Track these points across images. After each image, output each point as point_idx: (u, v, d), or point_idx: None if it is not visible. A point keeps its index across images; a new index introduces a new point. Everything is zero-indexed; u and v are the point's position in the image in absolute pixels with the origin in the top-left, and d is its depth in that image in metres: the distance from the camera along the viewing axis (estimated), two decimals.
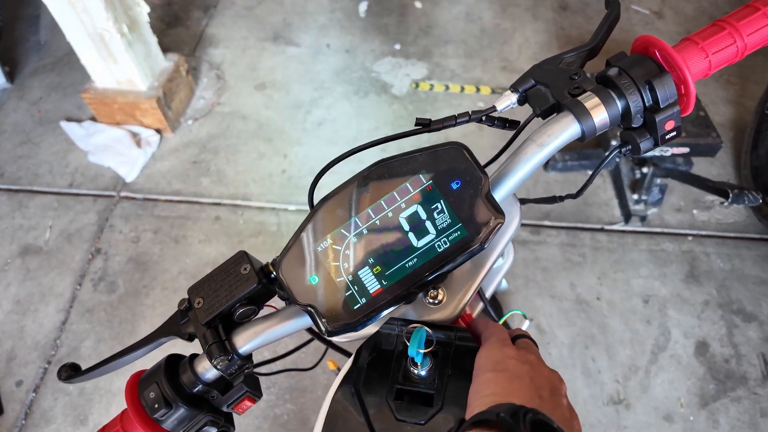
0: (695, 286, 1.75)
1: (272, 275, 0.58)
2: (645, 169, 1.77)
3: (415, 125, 0.57)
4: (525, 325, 0.78)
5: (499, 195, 0.52)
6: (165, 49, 2.13)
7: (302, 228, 0.53)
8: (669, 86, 0.46)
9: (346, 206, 0.52)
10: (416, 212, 0.51)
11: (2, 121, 2.21)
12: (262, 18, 2.61)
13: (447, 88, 2.32)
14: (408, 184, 0.51)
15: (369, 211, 0.51)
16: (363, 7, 2.66)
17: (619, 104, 0.51)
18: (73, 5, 1.73)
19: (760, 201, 1.38)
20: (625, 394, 1.55)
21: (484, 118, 0.58)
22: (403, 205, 0.51)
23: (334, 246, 0.51)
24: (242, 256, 0.57)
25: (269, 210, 1.92)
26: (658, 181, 1.84)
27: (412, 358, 0.53)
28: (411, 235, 0.50)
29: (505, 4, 2.69)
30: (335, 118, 2.21)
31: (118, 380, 1.57)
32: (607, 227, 1.88)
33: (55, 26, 2.54)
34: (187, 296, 0.58)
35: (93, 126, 2.11)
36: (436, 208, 0.50)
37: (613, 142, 1.85)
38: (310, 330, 0.72)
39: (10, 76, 2.33)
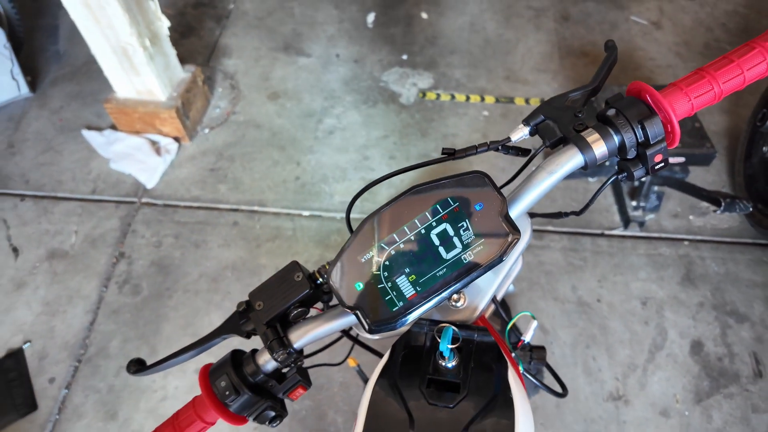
0: (691, 288, 1.84)
1: (318, 281, 0.68)
2: (644, 178, 1.86)
3: (442, 154, 0.66)
4: (533, 326, 0.87)
5: (514, 213, 0.62)
6: (180, 59, 2.22)
7: (348, 243, 0.61)
8: (657, 126, 0.55)
9: (386, 224, 0.61)
10: (445, 229, 0.59)
11: (25, 129, 2.30)
12: (273, 28, 2.70)
13: (453, 97, 2.41)
14: (438, 206, 0.60)
15: (405, 228, 0.60)
16: (370, 18, 2.75)
17: (616, 139, 0.60)
18: (98, 20, 1.82)
19: (751, 209, 1.47)
20: (624, 390, 1.64)
21: (500, 147, 0.67)
22: (434, 224, 0.60)
23: (375, 258, 0.60)
24: (295, 266, 0.67)
25: (284, 215, 2.01)
26: (656, 188, 1.93)
27: (442, 353, 0.63)
28: (441, 249, 0.59)
29: (508, 15, 2.78)
30: (345, 126, 2.30)
31: (145, 378, 1.66)
32: (607, 232, 1.96)
33: (74, 36, 2.64)
34: (246, 300, 0.67)
35: (113, 134, 2.20)
36: (462, 225, 0.59)
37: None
38: (342, 331, 0.81)
39: (32, 86, 2.42)
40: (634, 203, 1.95)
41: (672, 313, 1.79)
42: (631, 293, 1.83)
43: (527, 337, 0.87)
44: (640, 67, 2.56)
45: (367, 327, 0.59)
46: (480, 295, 0.73)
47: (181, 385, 1.64)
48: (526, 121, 0.67)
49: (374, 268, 0.60)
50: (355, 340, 0.89)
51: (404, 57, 2.57)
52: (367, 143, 2.24)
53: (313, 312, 0.69)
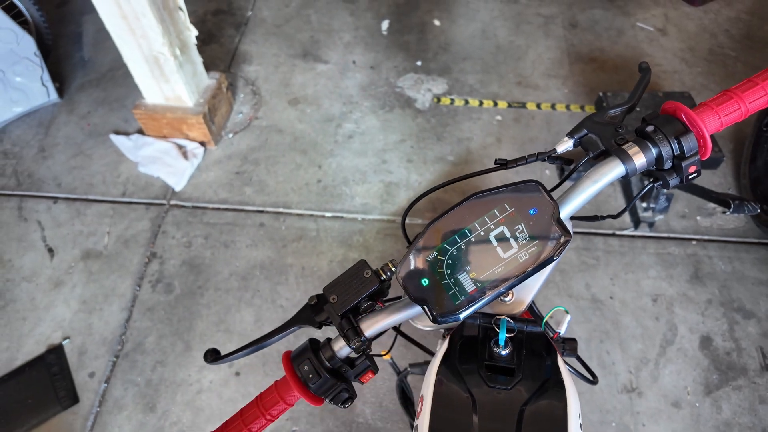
0: (699, 286, 1.93)
1: (382, 278, 0.76)
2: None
3: (495, 164, 0.74)
4: (566, 320, 0.96)
5: (562, 216, 0.70)
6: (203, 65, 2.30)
7: (414, 243, 0.70)
8: (692, 141, 0.64)
9: (449, 227, 0.69)
10: (503, 231, 0.68)
11: (55, 134, 2.38)
12: (291, 35, 2.78)
13: (466, 102, 2.50)
14: (496, 211, 0.68)
15: (466, 230, 0.68)
16: (385, 25, 2.84)
17: (654, 152, 0.68)
18: (133, 31, 1.90)
19: (758, 211, 1.56)
20: (637, 383, 1.72)
21: (547, 157, 0.75)
22: (493, 227, 0.68)
23: (439, 257, 0.68)
24: (364, 264, 0.75)
25: (308, 217, 2.09)
26: (665, 190, 2.02)
27: (497, 341, 0.71)
28: (499, 249, 0.67)
29: (518, 21, 2.87)
30: (364, 131, 2.38)
31: (180, 372, 1.74)
32: (618, 233, 2.05)
33: (98, 43, 2.72)
34: (317, 294, 0.75)
35: (141, 139, 2.28)
36: (518, 228, 0.67)
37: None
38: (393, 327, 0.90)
39: (60, 92, 2.50)
40: (644, 205, 2.04)
41: (681, 310, 1.87)
42: (642, 290, 1.91)
43: (562, 330, 0.95)
44: None
45: (432, 318, 0.67)
46: (526, 291, 0.81)
47: (215, 379, 1.72)
48: (570, 134, 0.75)
49: (439, 266, 0.68)
50: (404, 335, 0.98)
51: (419, 63, 2.65)
52: (385, 147, 2.33)
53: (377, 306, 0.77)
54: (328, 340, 0.74)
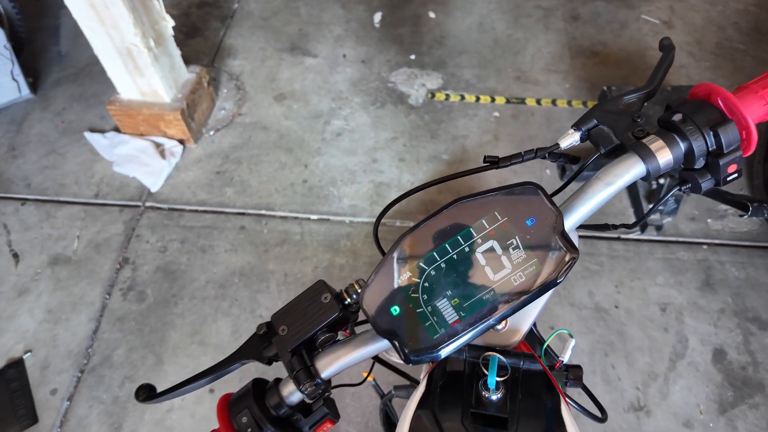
0: (711, 294, 1.79)
1: (346, 302, 0.63)
2: (662, 180, 1.82)
3: (484, 162, 0.61)
4: (570, 345, 0.82)
5: (567, 228, 0.57)
6: (185, 59, 2.17)
7: (383, 262, 0.56)
8: (733, 132, 0.51)
9: (425, 241, 0.56)
10: (492, 247, 0.54)
11: (27, 131, 2.25)
12: (279, 28, 2.65)
13: (462, 98, 2.37)
14: (485, 221, 0.55)
15: (447, 246, 0.55)
16: (377, 18, 2.70)
17: (683, 147, 0.55)
18: (102, 21, 1.77)
19: None
20: (645, 400, 1.59)
21: (548, 154, 0.62)
22: (480, 240, 0.54)
23: (413, 278, 0.55)
24: (322, 286, 0.62)
25: (292, 219, 1.96)
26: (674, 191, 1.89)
27: (486, 383, 0.58)
28: (488, 269, 0.54)
29: (517, 14, 2.73)
30: (354, 128, 2.25)
31: None
32: (623, 236, 1.92)
33: (76, 37, 2.59)
34: (266, 321, 0.62)
35: (117, 137, 2.15)
36: (512, 243, 0.54)
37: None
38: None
39: (34, 87, 2.37)
40: (651, 206, 1.91)
41: (692, 320, 1.74)
42: (649, 299, 1.78)
43: (565, 357, 0.82)
44: (651, 67, 2.51)
45: (404, 356, 0.54)
46: (523, 318, 0.68)
47: (187, 396, 1.59)
48: (576, 126, 0.62)
49: (413, 291, 0.55)
50: (387, 365, 0.84)
51: (412, 57, 2.52)
52: (376, 145, 2.19)
53: (340, 336, 0.64)
54: (277, 381, 0.61)
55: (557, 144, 0.62)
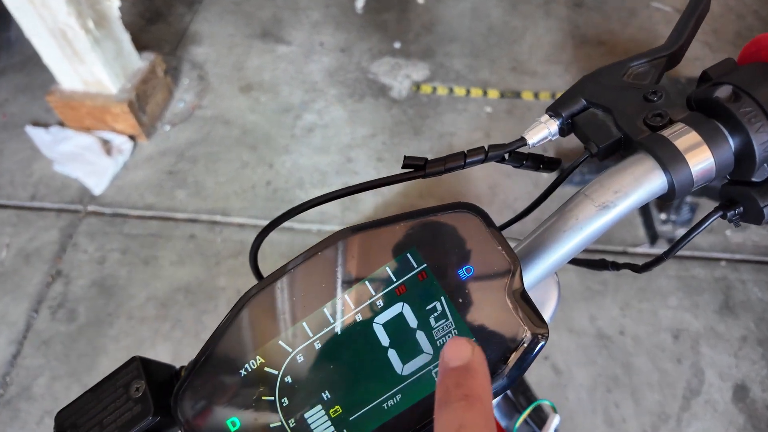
0: (731, 318, 1.54)
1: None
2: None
3: (403, 167, 0.37)
4: (554, 423, 0.59)
5: (531, 277, 0.33)
6: (143, 47, 1.94)
7: (216, 337, 0.33)
8: None
9: (289, 303, 0.32)
10: (401, 315, 0.31)
11: None
12: (251, 14, 2.41)
13: (451, 91, 2.12)
14: (388, 269, 0.31)
15: (324, 311, 0.32)
16: (360, 3, 2.46)
17: (733, 143, 0.31)
18: None
19: None
20: None
21: (507, 155, 0.38)
22: (380, 303, 0.31)
23: (266, 368, 0.32)
24: (136, 367, 0.38)
25: (251, 227, 1.72)
26: (689, 199, 1.64)
27: None
28: (392, 354, 0.31)
29: (515, 0, 2.48)
30: (327, 123, 2.01)
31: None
32: (630, 250, 1.67)
33: None
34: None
35: (61, 132, 1.92)
36: (434, 309, 0.31)
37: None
38: None
39: None
40: (662, 216, 1.66)
41: (709, 349, 1.49)
42: (659, 324, 1.53)
43: None
44: None
45: None
46: None
47: None
48: (553, 110, 0.38)
49: (263, 391, 0.31)
50: None
51: (397, 45, 2.27)
52: (352, 143, 1.95)
53: None
54: None
55: (522, 139, 0.37)
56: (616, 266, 0.45)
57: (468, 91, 2.12)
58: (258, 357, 0.32)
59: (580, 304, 1.55)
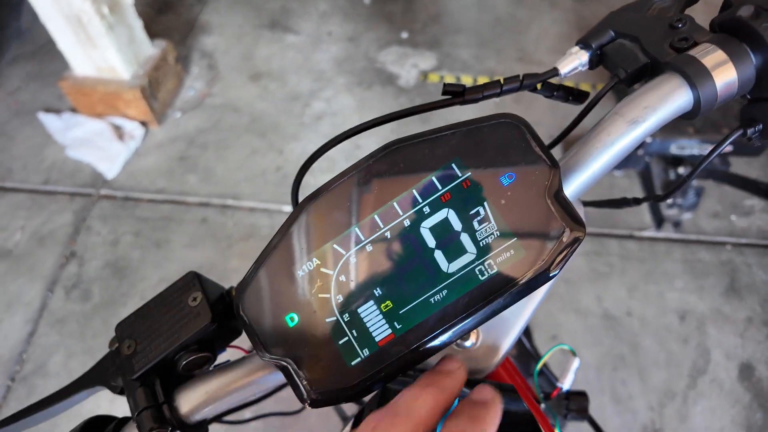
0: (736, 300, 1.56)
1: (228, 303, 0.42)
2: (681, 170, 1.59)
3: (443, 93, 0.39)
4: (573, 367, 0.61)
5: (569, 192, 0.36)
6: (153, 36, 1.96)
7: (276, 241, 0.35)
8: None
9: (343, 210, 0.35)
10: (446, 220, 0.33)
11: None
12: (260, 4, 2.43)
13: (458, 79, 2.14)
14: (434, 178, 0.34)
15: (375, 217, 0.34)
16: None
17: (755, 60, 0.33)
18: None
19: None
20: (660, 423, 1.36)
21: (540, 84, 0.40)
22: (427, 209, 0.34)
23: (322, 269, 0.34)
24: (192, 280, 0.41)
25: (261, 211, 1.74)
26: (695, 183, 1.66)
27: None
28: (438, 255, 0.33)
29: None
30: (336, 111, 2.03)
31: (88, 403, 1.39)
32: (636, 234, 1.69)
33: None
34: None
35: (72, 118, 1.94)
36: (477, 213, 0.33)
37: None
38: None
39: None
40: (668, 200, 1.67)
41: (715, 330, 1.51)
42: (666, 305, 1.55)
43: (566, 383, 0.60)
44: None
45: (301, 395, 0.33)
46: (502, 330, 0.46)
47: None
48: (583, 43, 0.40)
49: (319, 288, 0.34)
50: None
51: (404, 35, 2.30)
52: None
53: (228, 356, 0.43)
54: (122, 421, 0.41)
55: (555, 69, 0.40)
56: (636, 201, 0.47)
57: (475, 80, 2.14)
58: (314, 259, 0.34)
59: (587, 286, 1.57)
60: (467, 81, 2.13)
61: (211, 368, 0.42)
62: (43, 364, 1.46)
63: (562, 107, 2.06)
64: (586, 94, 0.43)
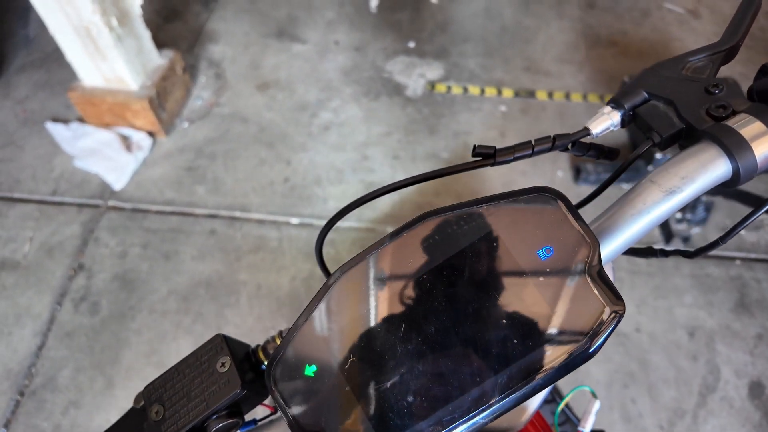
0: (746, 317, 1.56)
1: (263, 366, 0.42)
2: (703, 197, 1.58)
3: (473, 155, 0.38)
4: (594, 408, 0.61)
5: (603, 260, 0.35)
6: (160, 45, 1.96)
7: (307, 312, 0.35)
8: None
9: (372, 282, 0.34)
10: (480, 294, 0.33)
11: None
12: (266, 12, 2.43)
13: (466, 90, 2.14)
14: (468, 250, 0.33)
15: (408, 291, 0.33)
16: (374, 2, 2.48)
17: None
18: None
19: None
20: None
21: (571, 144, 0.40)
22: (462, 284, 0.33)
23: (350, 340, 0.34)
24: (219, 344, 0.41)
25: (270, 223, 1.74)
26: (704, 198, 1.65)
27: None
28: (475, 332, 0.32)
29: (527, 0, 2.50)
30: (343, 121, 2.03)
31: (98, 416, 1.40)
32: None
33: None
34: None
35: (80, 128, 1.94)
36: (514, 289, 0.32)
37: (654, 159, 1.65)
38: None
39: None
40: (677, 215, 1.67)
41: (725, 347, 1.51)
42: (675, 321, 1.55)
43: (587, 426, 0.60)
44: None
45: None
46: None
47: None
48: (615, 103, 0.39)
49: (349, 363, 0.33)
50: None
51: (411, 45, 2.29)
52: (368, 141, 1.97)
53: (254, 414, 0.42)
54: None
55: (586, 129, 0.39)
56: (664, 253, 0.46)
57: (482, 90, 2.14)
58: (343, 332, 0.33)
59: None
60: (475, 91, 2.13)
61: None
62: (53, 377, 1.46)
63: (570, 120, 2.04)
64: (616, 152, 0.43)
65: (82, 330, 1.54)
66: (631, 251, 0.49)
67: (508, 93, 2.13)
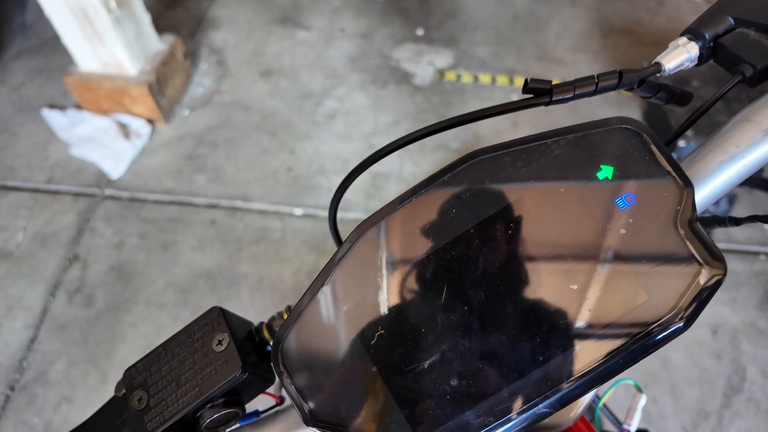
0: None
1: (268, 347, 0.35)
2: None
3: (525, 91, 0.31)
4: (640, 404, 0.54)
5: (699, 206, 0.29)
6: (161, 30, 1.89)
7: (322, 276, 0.28)
8: None
9: (408, 238, 0.27)
10: (547, 255, 0.26)
11: None
12: None
13: (476, 78, 2.06)
14: (527, 198, 0.26)
15: (451, 249, 0.26)
16: None
17: None
18: None
19: None
20: None
21: (639, 82, 0.32)
22: (521, 239, 0.26)
23: (379, 312, 0.27)
24: (216, 318, 0.34)
25: (272, 214, 1.67)
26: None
27: None
28: (536, 299, 0.26)
29: None
30: (349, 110, 1.96)
31: (91, 412, 1.33)
32: None
33: None
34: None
35: (77, 114, 1.88)
36: (587, 247, 0.25)
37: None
38: None
39: None
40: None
41: (750, 345, 1.43)
42: (698, 318, 1.47)
43: (633, 425, 0.53)
44: None
45: None
46: None
47: None
48: (692, 33, 0.32)
49: (377, 339, 0.26)
50: None
51: (420, 32, 2.22)
52: (375, 130, 1.90)
53: (259, 403, 0.36)
54: None
55: (658, 65, 0.32)
56: (734, 221, 0.39)
57: (494, 79, 2.06)
58: (371, 300, 0.26)
59: None
60: (486, 80, 2.06)
61: (238, 425, 0.35)
62: (45, 372, 1.40)
63: (584, 111, 1.95)
64: (690, 96, 0.36)
65: (76, 323, 1.47)
66: (711, 221, 0.42)
67: (520, 82, 2.05)
